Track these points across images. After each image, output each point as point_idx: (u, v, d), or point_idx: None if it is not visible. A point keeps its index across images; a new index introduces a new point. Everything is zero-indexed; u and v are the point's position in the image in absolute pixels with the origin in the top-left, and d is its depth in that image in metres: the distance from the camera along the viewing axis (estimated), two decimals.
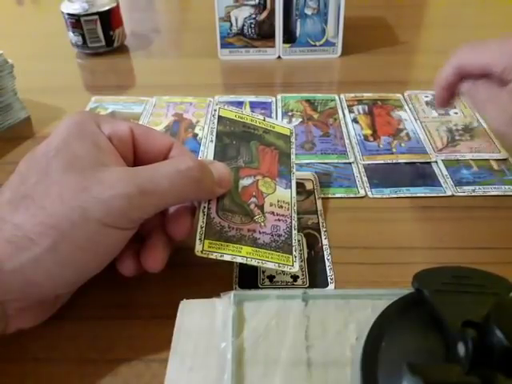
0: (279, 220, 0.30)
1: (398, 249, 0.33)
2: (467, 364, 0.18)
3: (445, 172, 0.39)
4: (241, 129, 0.33)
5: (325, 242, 0.33)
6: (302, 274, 0.31)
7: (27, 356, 0.26)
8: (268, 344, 0.22)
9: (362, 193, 0.37)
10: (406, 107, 0.48)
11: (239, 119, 0.34)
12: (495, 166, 0.40)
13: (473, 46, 0.34)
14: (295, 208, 0.32)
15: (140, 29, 0.69)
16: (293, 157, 0.35)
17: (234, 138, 0.33)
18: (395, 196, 0.37)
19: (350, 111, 0.48)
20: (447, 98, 0.37)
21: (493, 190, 0.37)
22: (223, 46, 0.58)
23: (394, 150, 0.42)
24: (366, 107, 0.48)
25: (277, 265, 0.28)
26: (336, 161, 0.41)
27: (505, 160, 0.40)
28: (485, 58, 0.33)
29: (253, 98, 0.50)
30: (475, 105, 0.35)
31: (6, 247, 0.22)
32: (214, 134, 0.32)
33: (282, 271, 0.30)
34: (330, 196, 0.37)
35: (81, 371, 0.25)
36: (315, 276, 0.31)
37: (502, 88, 0.33)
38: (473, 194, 0.37)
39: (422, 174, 0.39)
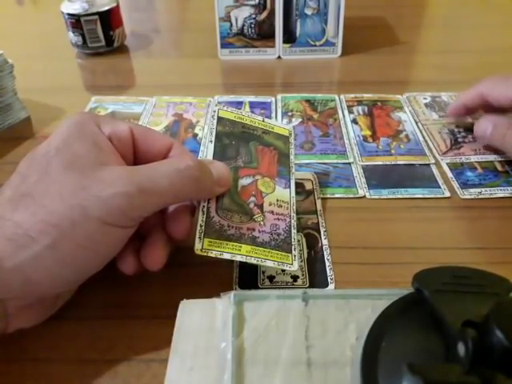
0: (278, 219, 0.30)
1: (398, 249, 0.33)
2: (467, 364, 0.18)
3: (450, 175, 0.39)
4: (240, 129, 0.34)
5: (325, 242, 0.33)
6: (302, 274, 0.31)
7: (27, 356, 0.26)
8: (268, 344, 0.22)
9: (361, 193, 0.37)
10: (405, 108, 0.48)
11: (238, 120, 0.34)
12: (499, 167, 0.40)
13: (501, 79, 0.40)
14: (294, 207, 0.32)
15: (140, 29, 0.69)
16: (292, 157, 0.35)
17: (234, 139, 0.33)
18: (393, 197, 0.37)
19: (350, 112, 0.48)
20: (462, 113, 0.44)
21: (499, 192, 0.37)
22: (223, 46, 0.58)
23: (392, 152, 0.42)
24: (366, 108, 0.48)
25: (276, 263, 0.28)
26: (335, 161, 0.41)
27: (510, 161, 0.40)
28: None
29: (252, 98, 0.50)
30: (496, 135, 0.39)
31: (6, 245, 0.22)
32: (214, 134, 0.32)
33: (282, 271, 0.30)
34: (329, 196, 0.37)
35: (81, 371, 0.25)
36: (315, 276, 0.31)
37: None
38: (480, 196, 0.37)
39: (420, 176, 0.39)
